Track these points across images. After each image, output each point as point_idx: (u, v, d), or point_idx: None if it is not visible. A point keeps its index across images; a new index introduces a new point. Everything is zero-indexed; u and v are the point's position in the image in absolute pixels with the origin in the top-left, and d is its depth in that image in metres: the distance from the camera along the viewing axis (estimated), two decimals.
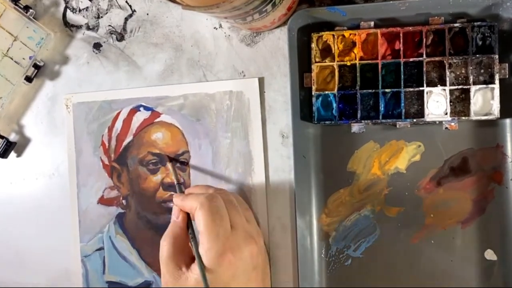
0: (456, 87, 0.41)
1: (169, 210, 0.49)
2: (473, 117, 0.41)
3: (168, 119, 0.49)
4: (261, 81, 0.47)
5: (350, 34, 0.43)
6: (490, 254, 0.43)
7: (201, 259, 0.38)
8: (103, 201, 0.52)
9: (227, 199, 0.42)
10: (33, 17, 0.51)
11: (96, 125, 0.52)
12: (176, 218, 0.42)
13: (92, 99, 0.52)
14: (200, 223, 0.38)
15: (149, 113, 0.50)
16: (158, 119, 0.50)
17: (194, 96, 0.49)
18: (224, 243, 0.38)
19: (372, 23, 0.43)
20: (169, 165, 0.48)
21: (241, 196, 0.47)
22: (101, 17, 0.51)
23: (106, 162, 0.51)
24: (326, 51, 0.44)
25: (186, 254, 0.40)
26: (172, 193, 0.49)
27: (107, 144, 0.51)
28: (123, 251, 0.51)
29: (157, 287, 0.50)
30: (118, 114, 0.51)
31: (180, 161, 0.49)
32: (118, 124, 0.51)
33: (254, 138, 0.47)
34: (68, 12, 0.52)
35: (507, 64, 0.41)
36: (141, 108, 0.50)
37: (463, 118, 0.41)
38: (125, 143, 0.51)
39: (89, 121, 0.52)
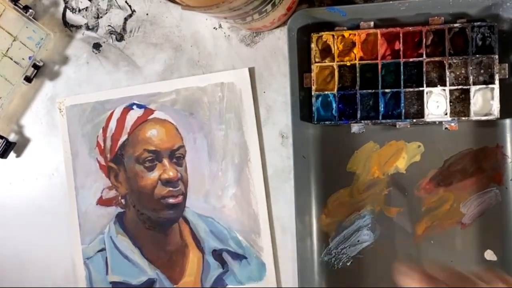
0: (456, 87, 0.41)
1: (168, 206, 0.49)
2: (473, 117, 0.41)
3: (162, 115, 0.49)
4: (251, 71, 0.47)
5: (350, 34, 0.43)
6: (490, 254, 0.43)
7: None
8: (102, 201, 0.52)
9: None
10: (32, 17, 0.50)
11: (90, 126, 0.51)
12: None
13: (85, 100, 0.52)
14: None
15: (142, 110, 0.50)
16: (151, 116, 0.50)
17: (186, 90, 0.49)
18: None
19: (372, 23, 0.43)
20: None
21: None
22: (101, 17, 0.51)
23: (103, 162, 0.51)
24: (326, 51, 0.44)
25: None
26: (170, 189, 0.49)
27: (102, 145, 0.51)
28: (125, 250, 0.51)
29: (161, 285, 0.50)
30: (112, 114, 0.51)
31: None
32: (112, 124, 0.51)
33: (248, 128, 0.47)
34: (68, 12, 0.52)
35: (507, 64, 0.41)
36: (134, 106, 0.50)
37: (463, 118, 0.41)
38: (120, 142, 0.50)
39: (83, 123, 0.52)
